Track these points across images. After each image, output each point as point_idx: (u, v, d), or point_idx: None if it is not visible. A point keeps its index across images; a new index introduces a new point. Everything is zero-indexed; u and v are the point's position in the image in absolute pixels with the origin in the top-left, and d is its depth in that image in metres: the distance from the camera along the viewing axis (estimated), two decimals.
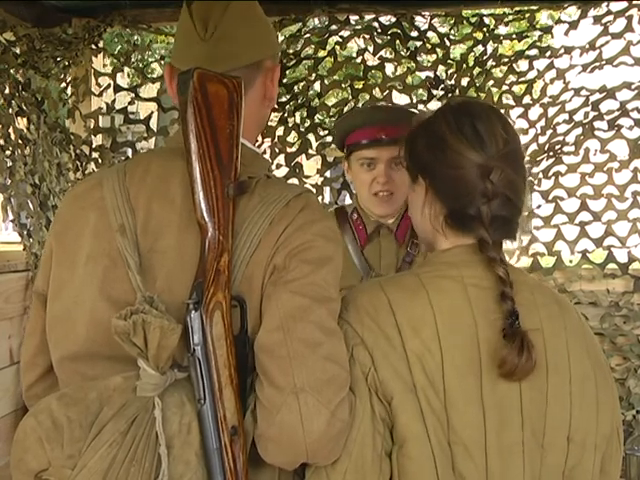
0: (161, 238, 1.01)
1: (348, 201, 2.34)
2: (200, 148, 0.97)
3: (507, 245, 1.12)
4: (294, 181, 2.72)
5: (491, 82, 2.75)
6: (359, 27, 2.79)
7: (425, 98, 2.79)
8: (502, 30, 2.85)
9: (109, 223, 1.02)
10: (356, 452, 0.97)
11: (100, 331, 0.98)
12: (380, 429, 0.98)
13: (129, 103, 2.83)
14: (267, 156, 2.79)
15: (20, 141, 2.63)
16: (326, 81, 2.84)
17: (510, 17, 2.78)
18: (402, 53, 2.83)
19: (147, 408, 0.89)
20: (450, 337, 0.99)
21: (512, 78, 2.77)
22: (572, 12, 2.81)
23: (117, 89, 2.83)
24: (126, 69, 2.89)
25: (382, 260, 1.95)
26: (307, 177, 2.85)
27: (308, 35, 2.81)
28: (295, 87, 2.84)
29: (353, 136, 1.93)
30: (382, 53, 2.81)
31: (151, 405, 0.89)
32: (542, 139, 2.70)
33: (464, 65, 2.75)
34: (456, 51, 2.94)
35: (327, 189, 2.96)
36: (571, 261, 2.74)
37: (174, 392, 0.92)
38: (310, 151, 2.84)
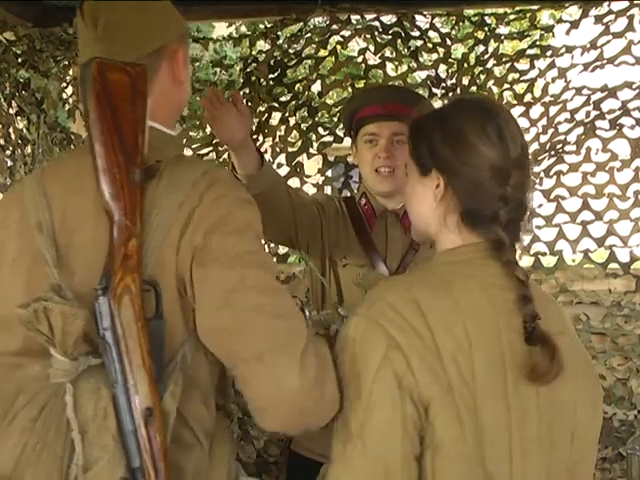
0: (78, 232, 1.03)
1: None
2: (102, 135, 0.98)
3: None
4: (295, 180, 2.70)
5: (492, 81, 2.74)
6: (360, 27, 2.77)
7: (426, 97, 2.78)
8: (503, 29, 2.84)
9: (28, 222, 1.04)
10: (384, 456, 0.94)
11: None
12: (410, 433, 0.95)
13: None
14: (268, 155, 2.78)
15: (20, 141, 2.62)
16: (327, 80, 2.82)
17: (511, 17, 2.76)
18: (403, 52, 2.82)
19: (58, 394, 0.90)
20: (478, 336, 0.98)
21: (513, 77, 2.76)
22: (573, 12, 2.81)
23: None
24: None
25: (389, 246, 1.95)
26: (308, 176, 2.84)
27: (309, 35, 2.80)
28: (296, 86, 2.82)
29: (358, 115, 1.97)
30: (383, 52, 2.80)
31: (62, 391, 0.89)
32: (543, 138, 2.69)
33: (465, 64, 2.74)
34: (457, 50, 2.92)
35: (328, 188, 2.94)
36: (573, 260, 2.72)
37: (90, 378, 0.92)
38: (311, 150, 2.83)
